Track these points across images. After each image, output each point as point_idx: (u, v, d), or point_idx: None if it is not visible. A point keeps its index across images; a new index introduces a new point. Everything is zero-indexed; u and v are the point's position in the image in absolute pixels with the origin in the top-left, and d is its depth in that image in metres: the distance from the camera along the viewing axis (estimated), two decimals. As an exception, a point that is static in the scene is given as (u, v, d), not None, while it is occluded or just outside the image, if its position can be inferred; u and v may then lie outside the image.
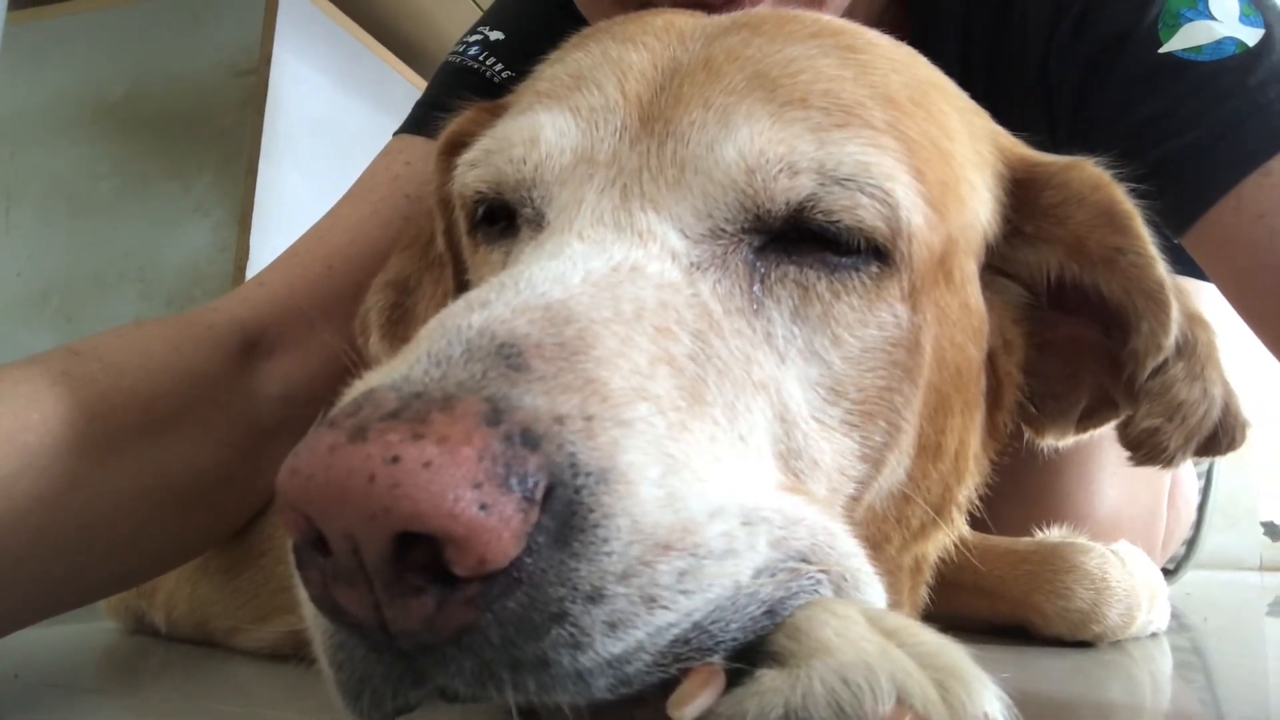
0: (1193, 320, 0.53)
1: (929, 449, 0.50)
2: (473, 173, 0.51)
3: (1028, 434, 0.60)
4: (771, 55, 0.47)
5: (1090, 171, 0.53)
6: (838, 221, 0.43)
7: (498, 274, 0.41)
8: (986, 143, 0.54)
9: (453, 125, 0.64)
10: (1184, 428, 0.52)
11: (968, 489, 0.57)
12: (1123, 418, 0.56)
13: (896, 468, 0.49)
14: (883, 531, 0.51)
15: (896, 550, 0.53)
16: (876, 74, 0.48)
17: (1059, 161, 0.54)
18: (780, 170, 0.43)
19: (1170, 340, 0.51)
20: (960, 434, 0.52)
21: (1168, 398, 0.52)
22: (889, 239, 0.44)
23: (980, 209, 0.52)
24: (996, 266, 0.54)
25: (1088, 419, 0.58)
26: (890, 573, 0.56)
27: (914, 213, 0.45)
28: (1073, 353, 0.57)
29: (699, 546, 0.33)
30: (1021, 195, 0.54)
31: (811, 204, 0.43)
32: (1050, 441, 0.59)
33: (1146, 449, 0.53)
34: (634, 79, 0.48)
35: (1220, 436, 0.54)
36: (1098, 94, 0.73)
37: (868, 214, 0.44)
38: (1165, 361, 0.52)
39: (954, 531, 0.58)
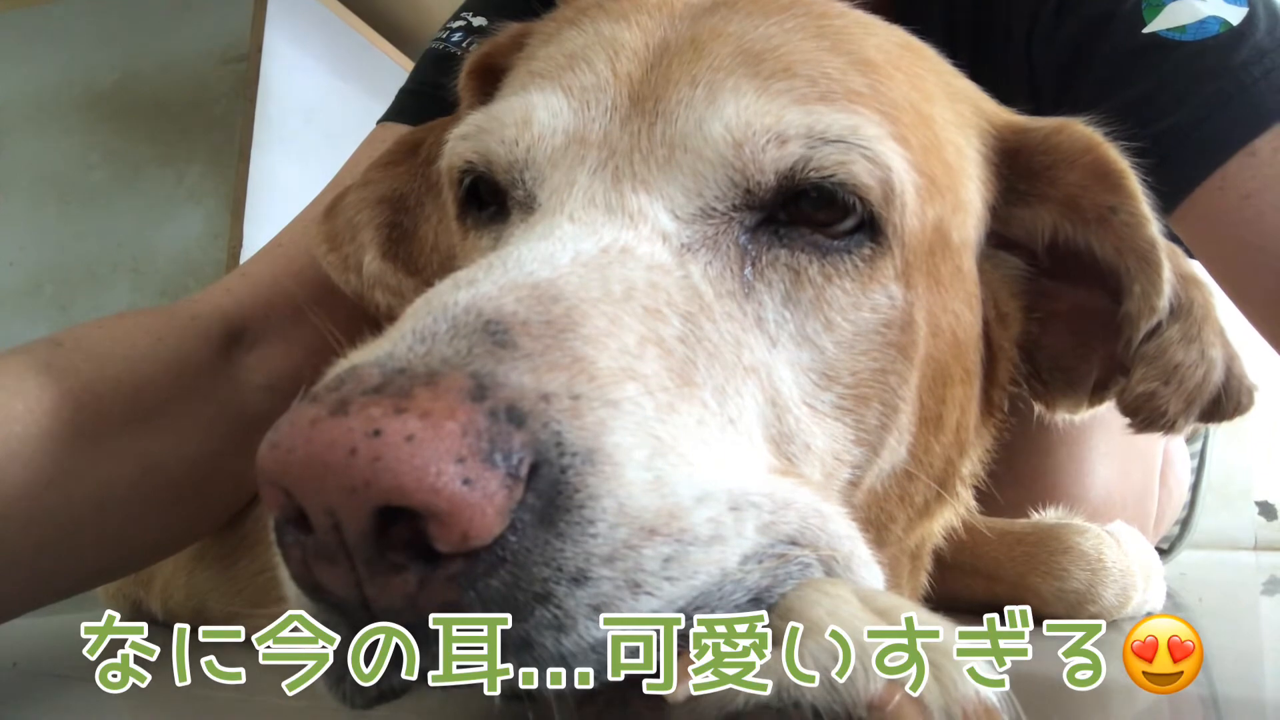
0: (1187, 281, 0.52)
1: (930, 421, 0.50)
2: (463, 144, 0.50)
3: (1039, 409, 0.58)
4: (751, 31, 0.47)
5: (1080, 132, 0.53)
6: (831, 176, 0.43)
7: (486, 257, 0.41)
8: (967, 104, 0.53)
9: (486, 46, 0.62)
10: (1182, 391, 0.51)
11: (970, 462, 0.56)
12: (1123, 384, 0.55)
13: (897, 447, 0.48)
14: (887, 512, 0.51)
15: (903, 530, 0.53)
16: (852, 40, 0.48)
17: (1048, 123, 0.54)
18: (768, 141, 0.43)
19: (1163, 301, 0.50)
20: (961, 403, 0.52)
21: (1163, 361, 0.51)
22: (882, 203, 0.44)
23: (969, 169, 0.51)
24: (993, 235, 0.54)
25: (1101, 390, 0.57)
26: (895, 556, 0.56)
27: (904, 177, 0.45)
28: (1079, 323, 0.56)
29: (685, 532, 0.32)
30: (1011, 160, 0.53)
31: (803, 164, 0.43)
32: (1064, 415, 0.58)
33: (1144, 414, 0.52)
34: (625, 58, 0.48)
35: (1224, 401, 0.53)
36: (1082, 76, 0.73)
37: (860, 169, 0.43)
38: (1159, 324, 0.51)
39: (960, 506, 0.57)
